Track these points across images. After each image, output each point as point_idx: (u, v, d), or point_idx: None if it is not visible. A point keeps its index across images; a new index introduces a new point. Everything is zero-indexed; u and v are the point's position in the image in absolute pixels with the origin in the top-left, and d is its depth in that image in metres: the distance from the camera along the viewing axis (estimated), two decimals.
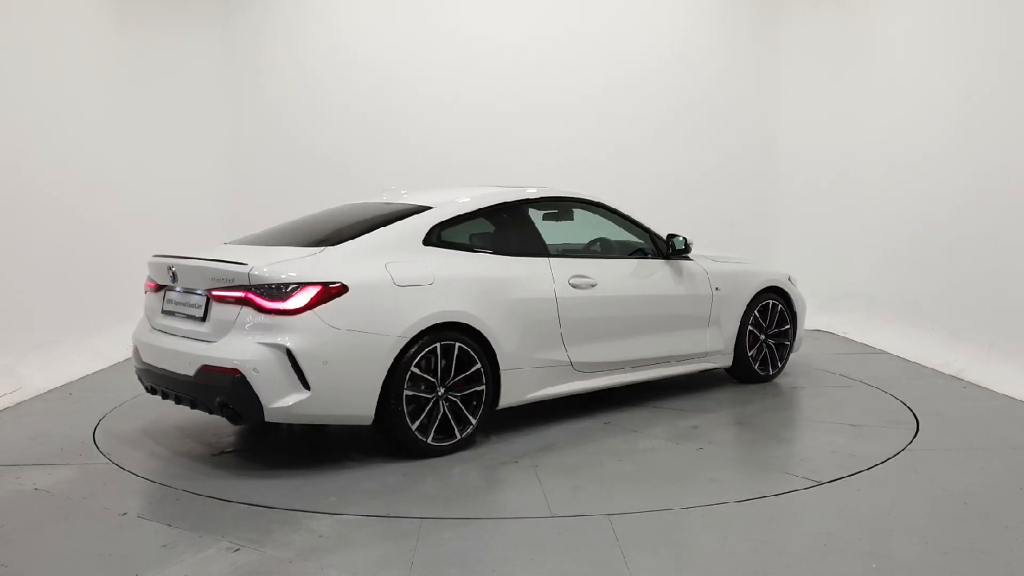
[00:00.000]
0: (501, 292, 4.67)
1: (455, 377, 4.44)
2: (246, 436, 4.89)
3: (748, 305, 6.00)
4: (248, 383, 3.94)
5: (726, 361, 5.98)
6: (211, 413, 4.24)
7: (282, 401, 3.97)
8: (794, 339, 6.37)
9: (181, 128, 8.82)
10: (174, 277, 4.48)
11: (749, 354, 6.04)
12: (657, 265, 5.59)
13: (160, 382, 4.47)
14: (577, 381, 5.08)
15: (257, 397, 3.95)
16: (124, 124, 7.99)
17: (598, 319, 5.12)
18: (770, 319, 6.17)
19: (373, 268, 4.29)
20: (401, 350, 4.22)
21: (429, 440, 4.37)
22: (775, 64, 9.66)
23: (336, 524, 3.53)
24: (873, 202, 8.31)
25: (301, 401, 4.00)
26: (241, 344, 4.01)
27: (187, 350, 4.23)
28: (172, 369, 4.30)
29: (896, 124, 7.89)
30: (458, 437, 4.48)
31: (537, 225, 5.23)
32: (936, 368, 6.63)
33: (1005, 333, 6.17)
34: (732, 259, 6.22)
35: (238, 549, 3.26)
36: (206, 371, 4.07)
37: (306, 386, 4.00)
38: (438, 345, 4.36)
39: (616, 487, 4.01)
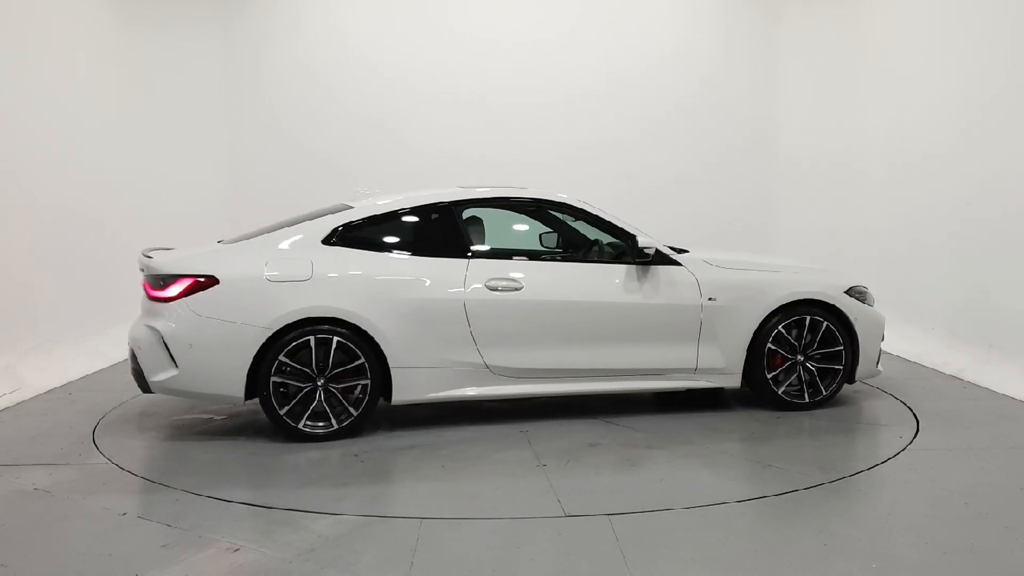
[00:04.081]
0: (396, 291, 4.79)
1: (334, 370, 4.68)
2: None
3: (767, 318, 5.25)
4: (136, 358, 4.68)
5: (732, 381, 5.28)
6: None
7: (159, 376, 4.61)
8: (853, 363, 5.38)
9: (182, 129, 8.83)
10: (140, 269, 4.96)
11: (769, 376, 5.27)
12: (620, 271, 5.15)
13: None
14: (501, 385, 4.96)
15: (142, 370, 4.64)
16: (125, 125, 7.99)
17: (521, 323, 4.95)
18: (809, 337, 5.31)
19: (251, 264, 4.70)
20: (268, 340, 4.59)
21: (300, 426, 4.68)
22: (775, 63, 9.67)
23: (336, 524, 3.53)
24: (873, 201, 8.31)
25: (172, 377, 4.60)
26: (139, 325, 4.75)
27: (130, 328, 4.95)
28: None
29: (897, 123, 7.89)
30: (335, 426, 4.71)
31: (477, 225, 5.26)
32: (936, 368, 6.63)
33: (1005, 333, 6.17)
34: (751, 265, 5.47)
35: (238, 549, 3.26)
36: (129, 346, 4.83)
37: (175, 365, 4.58)
38: (312, 338, 4.62)
39: (388, 492, 4.07)
